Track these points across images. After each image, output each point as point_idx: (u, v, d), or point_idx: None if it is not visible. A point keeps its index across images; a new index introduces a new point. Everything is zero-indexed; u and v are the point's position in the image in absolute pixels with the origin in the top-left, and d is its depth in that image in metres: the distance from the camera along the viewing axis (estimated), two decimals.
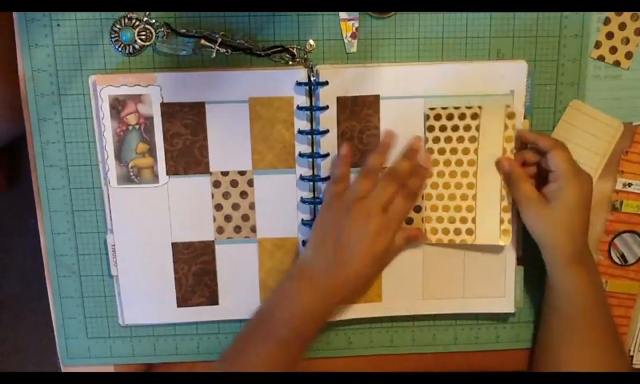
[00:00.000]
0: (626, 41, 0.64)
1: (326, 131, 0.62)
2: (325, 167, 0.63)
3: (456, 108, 0.62)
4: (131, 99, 0.62)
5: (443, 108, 0.62)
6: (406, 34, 0.63)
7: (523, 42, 0.63)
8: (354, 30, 0.62)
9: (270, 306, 0.61)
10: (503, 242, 0.63)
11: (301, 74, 0.62)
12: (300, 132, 0.63)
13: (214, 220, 0.65)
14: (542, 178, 0.61)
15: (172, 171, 0.63)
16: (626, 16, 0.63)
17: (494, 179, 0.62)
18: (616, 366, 0.61)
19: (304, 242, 0.65)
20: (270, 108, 0.62)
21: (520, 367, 0.69)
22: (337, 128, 0.62)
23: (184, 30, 0.61)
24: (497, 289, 0.66)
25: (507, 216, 0.62)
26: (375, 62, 0.63)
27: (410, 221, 0.64)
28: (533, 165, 0.62)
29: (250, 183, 0.64)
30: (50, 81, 0.62)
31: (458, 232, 0.64)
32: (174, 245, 0.65)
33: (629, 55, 0.64)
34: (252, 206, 0.65)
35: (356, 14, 0.62)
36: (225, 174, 0.64)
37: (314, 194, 0.64)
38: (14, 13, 0.61)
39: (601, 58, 0.64)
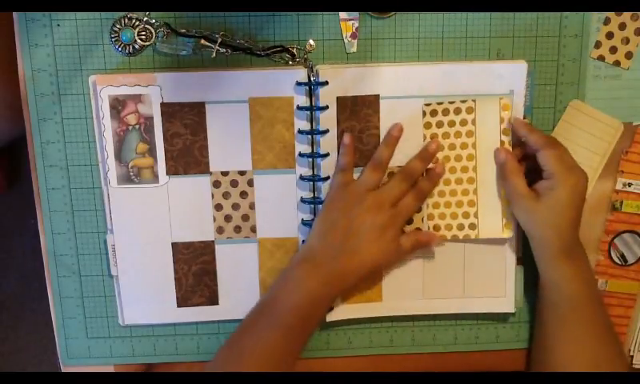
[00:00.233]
0: (626, 41, 0.64)
1: (326, 131, 0.62)
2: (325, 167, 0.63)
3: (451, 102, 0.62)
4: (131, 99, 0.62)
5: (438, 103, 0.62)
6: (406, 33, 0.63)
7: (523, 42, 0.63)
8: (354, 30, 0.62)
9: (275, 293, 0.62)
10: (506, 235, 0.63)
11: (301, 74, 0.62)
12: (300, 132, 0.63)
13: (214, 220, 0.65)
14: (538, 172, 0.61)
15: (172, 171, 0.63)
16: (626, 16, 0.63)
17: (493, 172, 0.62)
18: (610, 359, 0.61)
19: (304, 242, 0.65)
20: (270, 108, 0.62)
21: (520, 367, 0.69)
22: (337, 128, 0.62)
23: (184, 30, 0.61)
24: (497, 289, 0.66)
25: (509, 208, 0.63)
26: (375, 62, 0.63)
27: (409, 221, 0.64)
28: (531, 157, 0.62)
29: (250, 183, 0.64)
30: (50, 81, 0.62)
31: (460, 227, 0.64)
32: (174, 245, 0.65)
33: (629, 55, 0.64)
34: (252, 206, 0.65)
35: (356, 14, 0.62)
36: (225, 173, 0.64)
37: (314, 193, 0.64)
38: (13, 13, 0.61)
39: (601, 58, 0.64)
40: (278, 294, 0.61)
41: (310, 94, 0.62)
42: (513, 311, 0.67)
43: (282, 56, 0.62)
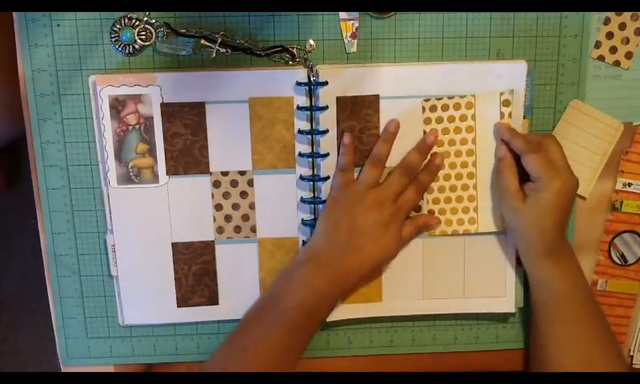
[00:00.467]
0: (626, 41, 0.64)
1: (326, 131, 0.62)
2: (325, 167, 0.63)
3: (450, 98, 0.62)
4: (131, 99, 0.62)
5: (438, 98, 0.62)
6: (406, 33, 0.63)
7: (523, 42, 0.63)
8: (354, 30, 0.62)
9: (280, 291, 0.62)
10: (506, 230, 0.64)
11: (301, 74, 0.62)
12: (300, 132, 0.63)
13: (214, 220, 0.65)
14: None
15: (172, 171, 0.63)
16: (626, 16, 0.63)
17: (492, 167, 0.63)
18: (604, 354, 0.61)
19: (304, 242, 0.65)
20: (270, 108, 0.62)
21: (520, 367, 0.69)
22: (336, 128, 0.62)
23: (184, 30, 0.61)
24: (497, 289, 0.66)
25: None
26: (375, 62, 0.63)
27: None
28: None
29: (250, 183, 0.64)
30: (50, 81, 0.62)
31: (460, 222, 0.64)
32: (174, 245, 0.65)
33: (629, 55, 0.64)
34: (252, 206, 0.65)
35: (356, 14, 0.62)
36: (225, 173, 0.64)
37: (314, 193, 0.64)
38: (13, 13, 0.61)
39: (601, 58, 0.64)
40: (282, 292, 0.61)
41: (310, 94, 0.62)
42: (513, 311, 0.67)
43: (282, 56, 0.62)
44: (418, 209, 0.64)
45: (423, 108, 0.63)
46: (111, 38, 0.61)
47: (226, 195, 0.64)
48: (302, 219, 0.65)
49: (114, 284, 0.66)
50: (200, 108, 0.62)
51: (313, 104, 0.62)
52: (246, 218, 0.65)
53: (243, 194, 0.64)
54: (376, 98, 0.62)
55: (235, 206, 0.65)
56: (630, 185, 0.67)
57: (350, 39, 0.62)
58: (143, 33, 0.61)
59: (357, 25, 0.62)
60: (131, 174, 0.63)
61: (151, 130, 0.62)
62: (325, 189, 0.64)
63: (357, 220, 0.61)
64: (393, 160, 0.63)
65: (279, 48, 0.62)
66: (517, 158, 0.61)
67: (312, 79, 0.62)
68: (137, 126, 0.62)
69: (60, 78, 0.62)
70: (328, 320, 0.66)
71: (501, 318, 0.68)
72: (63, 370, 0.69)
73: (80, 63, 0.62)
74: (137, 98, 0.62)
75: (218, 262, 0.66)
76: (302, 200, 0.64)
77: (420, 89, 0.62)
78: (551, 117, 0.65)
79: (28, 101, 0.63)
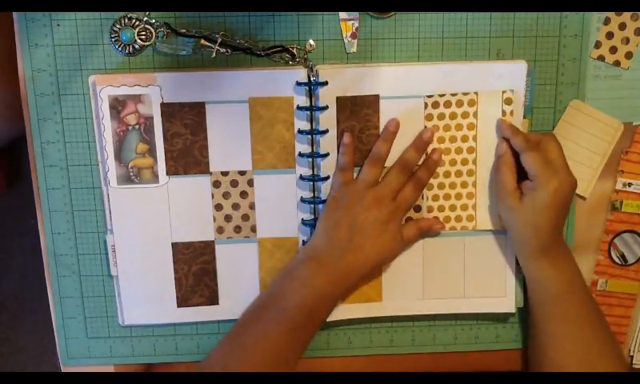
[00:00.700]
0: (626, 41, 0.64)
1: (326, 131, 0.62)
2: (325, 167, 0.63)
3: (453, 94, 0.62)
4: (131, 99, 0.62)
5: (440, 95, 0.62)
6: (406, 33, 0.63)
7: (523, 42, 0.63)
8: (354, 30, 0.62)
9: (280, 290, 0.62)
10: (503, 228, 0.64)
11: (301, 74, 0.62)
12: (300, 132, 0.63)
13: (214, 220, 0.65)
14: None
15: (172, 171, 0.63)
16: (626, 16, 0.63)
17: (493, 166, 0.63)
18: (603, 353, 0.61)
19: (304, 242, 0.65)
20: (270, 108, 0.62)
21: (520, 367, 0.69)
22: (336, 128, 0.62)
23: (184, 30, 0.61)
24: (497, 289, 0.66)
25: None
26: (375, 62, 0.63)
27: (408, 219, 0.64)
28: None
29: (250, 183, 0.64)
30: (50, 81, 0.62)
31: (459, 219, 0.64)
32: (174, 245, 0.65)
33: (629, 55, 0.64)
34: (252, 206, 0.65)
35: (356, 14, 0.62)
36: (225, 173, 0.64)
37: (314, 193, 0.64)
38: (13, 13, 0.61)
39: (601, 58, 0.64)
40: (283, 291, 0.61)
41: (310, 94, 0.62)
42: (513, 311, 0.67)
43: (282, 56, 0.62)
44: (417, 208, 0.64)
45: (425, 104, 0.63)
46: (111, 38, 0.61)
47: (226, 195, 0.64)
48: (302, 219, 0.65)
49: (113, 284, 0.66)
50: (200, 108, 0.62)
51: (313, 104, 0.62)
52: (246, 217, 0.65)
53: (243, 194, 0.64)
54: (376, 97, 0.62)
55: (235, 206, 0.65)
56: (630, 185, 0.67)
57: (349, 39, 0.62)
58: (143, 33, 0.61)
59: (357, 25, 0.62)
60: (131, 174, 0.63)
61: (151, 130, 0.62)
62: (325, 189, 0.64)
63: (356, 219, 0.61)
64: (393, 159, 0.63)
65: (279, 48, 0.62)
66: (517, 157, 0.61)
67: (312, 79, 0.62)
68: (137, 126, 0.62)
69: (60, 78, 0.62)
70: (328, 320, 0.66)
71: (501, 318, 0.68)
72: (63, 370, 0.69)
73: (80, 63, 0.62)
74: (137, 98, 0.62)
75: (218, 261, 0.66)
76: (302, 200, 0.64)
77: (420, 89, 0.62)
78: (551, 117, 0.65)
79: (28, 101, 0.63)
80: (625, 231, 0.68)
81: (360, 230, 0.61)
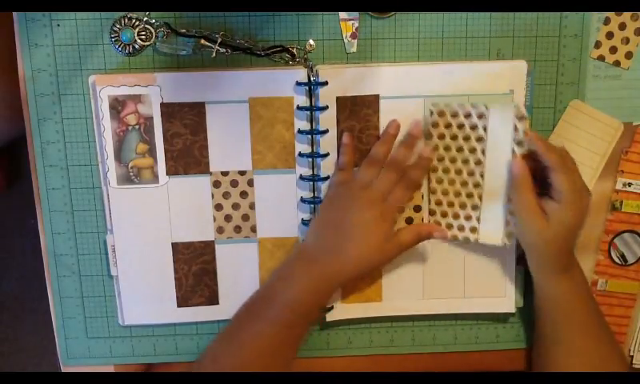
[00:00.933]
0: (626, 41, 0.64)
1: (326, 131, 0.62)
2: (325, 167, 0.63)
3: (460, 105, 0.61)
4: (131, 99, 0.62)
5: (446, 104, 0.62)
6: (406, 33, 0.63)
7: (523, 42, 0.63)
8: (354, 30, 0.62)
9: (272, 289, 0.62)
10: (508, 243, 0.63)
11: (301, 74, 0.62)
12: (300, 132, 0.63)
13: (214, 220, 0.65)
14: (541, 181, 0.60)
15: (172, 171, 0.63)
16: (626, 16, 0.63)
17: (502, 181, 0.61)
18: (612, 361, 0.61)
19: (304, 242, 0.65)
20: (270, 108, 0.62)
21: (520, 367, 0.69)
22: (336, 128, 0.62)
23: (184, 30, 0.61)
24: (497, 289, 0.66)
25: (514, 219, 0.61)
26: (375, 62, 0.63)
27: (409, 220, 0.64)
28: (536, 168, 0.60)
29: (250, 183, 0.64)
30: (50, 81, 0.62)
31: (461, 228, 0.64)
32: (174, 245, 0.65)
33: (629, 55, 0.64)
34: (252, 206, 0.65)
35: (356, 14, 0.62)
36: (225, 173, 0.64)
37: (314, 193, 0.64)
38: (13, 13, 0.61)
39: (601, 58, 0.64)
40: (273, 289, 0.62)
41: (310, 94, 0.62)
42: (513, 311, 0.67)
43: (282, 56, 0.62)
44: (417, 208, 0.64)
45: (431, 112, 0.62)
46: (111, 38, 0.61)
47: (226, 195, 0.64)
48: (302, 219, 0.65)
49: (113, 284, 0.66)
50: (200, 108, 0.62)
51: (313, 104, 0.62)
52: (246, 217, 0.65)
53: (243, 194, 0.64)
54: (376, 97, 0.62)
55: (235, 206, 0.65)
56: (630, 185, 0.67)
57: (349, 39, 0.62)
58: (143, 33, 0.61)
59: (357, 25, 0.62)
60: (131, 174, 0.63)
61: (151, 130, 0.62)
62: (325, 189, 0.64)
63: (346, 218, 0.60)
64: None
65: (279, 48, 0.62)
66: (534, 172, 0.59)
67: (312, 79, 0.62)
68: (137, 126, 0.62)
69: (60, 78, 0.62)
70: (328, 320, 0.66)
71: (501, 318, 0.68)
72: (63, 370, 0.69)
73: (80, 63, 0.62)
74: (137, 98, 0.62)
75: (218, 261, 0.66)
76: (302, 200, 0.64)
77: (420, 89, 0.62)
78: (551, 117, 0.65)
79: (28, 101, 0.63)
80: (625, 231, 0.68)
81: (348, 230, 0.60)
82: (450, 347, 0.69)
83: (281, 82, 0.62)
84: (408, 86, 0.62)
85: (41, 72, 0.62)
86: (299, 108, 0.62)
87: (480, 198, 0.63)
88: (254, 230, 0.65)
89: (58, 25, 0.61)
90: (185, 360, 0.68)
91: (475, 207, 0.63)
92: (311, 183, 0.64)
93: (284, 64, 0.62)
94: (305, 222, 0.64)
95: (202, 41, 0.61)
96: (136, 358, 0.68)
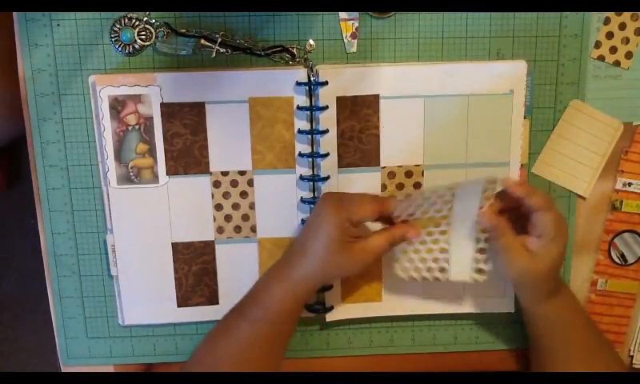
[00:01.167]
0: (626, 41, 0.64)
1: (326, 131, 0.62)
2: (325, 167, 0.63)
3: (426, 198, 0.59)
4: (131, 99, 0.62)
5: (408, 194, 0.60)
6: (406, 33, 0.63)
7: (523, 42, 0.63)
8: (354, 30, 0.62)
9: (255, 289, 0.62)
10: (479, 280, 0.59)
11: (301, 73, 0.62)
12: (300, 132, 0.63)
13: (214, 220, 0.65)
14: (518, 216, 0.59)
15: (172, 171, 0.63)
16: (626, 16, 0.63)
17: (469, 228, 0.58)
18: (612, 365, 0.62)
19: None
20: (270, 108, 0.62)
21: (520, 367, 0.69)
22: (336, 128, 0.63)
23: (184, 30, 0.61)
24: (497, 289, 0.66)
25: (483, 257, 0.58)
26: (375, 62, 0.63)
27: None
28: (511, 209, 0.59)
29: (250, 183, 0.64)
30: (50, 81, 0.62)
31: (430, 270, 0.60)
32: (174, 245, 0.65)
33: (629, 55, 0.64)
34: (252, 206, 0.65)
35: (356, 14, 0.62)
36: (225, 174, 0.64)
37: (314, 193, 0.64)
38: (13, 13, 0.61)
39: (601, 58, 0.64)
40: (257, 289, 0.62)
41: (310, 94, 0.62)
42: (513, 311, 0.67)
43: (282, 56, 0.62)
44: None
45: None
46: (111, 38, 0.61)
47: (226, 195, 0.64)
48: (302, 219, 0.65)
49: (113, 284, 0.66)
50: (200, 108, 0.62)
51: (313, 104, 0.62)
52: (245, 217, 0.65)
53: (243, 194, 0.64)
54: (376, 97, 0.62)
55: (235, 206, 0.65)
56: (629, 184, 0.67)
57: (349, 39, 0.62)
58: (143, 33, 0.61)
59: (357, 25, 0.62)
60: (131, 174, 0.63)
61: (151, 130, 0.62)
62: (325, 189, 0.64)
63: (312, 229, 0.58)
64: (392, 160, 0.63)
65: (279, 48, 0.62)
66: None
67: (312, 79, 0.62)
68: (137, 126, 0.62)
69: (60, 78, 0.62)
70: (328, 320, 0.66)
71: (501, 318, 0.68)
72: (63, 370, 0.69)
73: (80, 63, 0.62)
74: (136, 98, 0.62)
75: (218, 261, 0.66)
76: (302, 200, 0.64)
77: (420, 89, 0.62)
78: (551, 117, 0.65)
79: (28, 101, 0.63)
80: (625, 231, 0.68)
81: (314, 240, 0.58)
82: (449, 347, 0.69)
83: (281, 82, 0.62)
84: (408, 85, 0.62)
85: (41, 72, 0.62)
86: (299, 108, 0.62)
87: (447, 242, 0.59)
88: (253, 230, 0.65)
89: (58, 25, 0.61)
90: (185, 360, 0.68)
91: (443, 250, 0.60)
92: (311, 183, 0.64)
93: (284, 64, 0.62)
94: (305, 222, 0.64)
95: (202, 41, 0.61)
96: (136, 358, 0.68)
